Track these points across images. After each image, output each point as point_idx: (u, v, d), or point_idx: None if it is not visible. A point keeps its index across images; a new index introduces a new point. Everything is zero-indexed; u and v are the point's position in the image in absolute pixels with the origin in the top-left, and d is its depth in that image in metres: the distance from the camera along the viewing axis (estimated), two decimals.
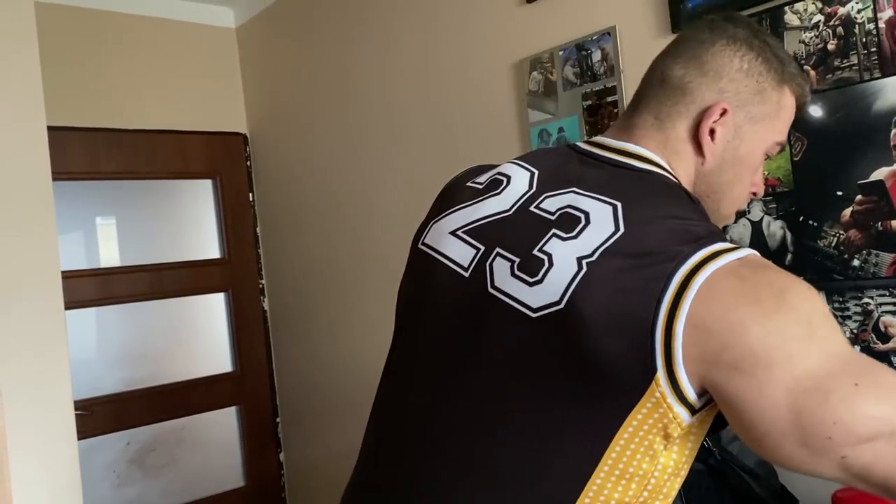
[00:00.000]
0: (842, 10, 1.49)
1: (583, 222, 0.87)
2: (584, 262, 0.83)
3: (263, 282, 3.42)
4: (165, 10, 3.19)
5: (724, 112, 0.93)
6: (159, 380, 3.10)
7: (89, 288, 2.93)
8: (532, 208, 0.93)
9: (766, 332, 0.76)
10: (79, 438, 2.04)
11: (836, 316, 1.52)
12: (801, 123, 1.55)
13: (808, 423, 0.75)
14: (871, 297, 1.48)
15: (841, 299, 1.52)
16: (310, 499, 3.30)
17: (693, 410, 0.81)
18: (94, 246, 3.08)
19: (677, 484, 0.89)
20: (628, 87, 1.88)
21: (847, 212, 1.50)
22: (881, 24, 1.44)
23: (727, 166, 0.96)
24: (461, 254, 0.96)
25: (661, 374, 0.78)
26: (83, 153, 2.96)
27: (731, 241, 0.84)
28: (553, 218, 0.89)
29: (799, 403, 0.75)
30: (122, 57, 3.08)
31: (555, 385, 0.84)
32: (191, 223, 3.33)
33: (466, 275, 0.94)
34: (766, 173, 1.61)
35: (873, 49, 1.45)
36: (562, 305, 0.83)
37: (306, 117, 3.10)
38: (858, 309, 1.50)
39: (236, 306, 3.33)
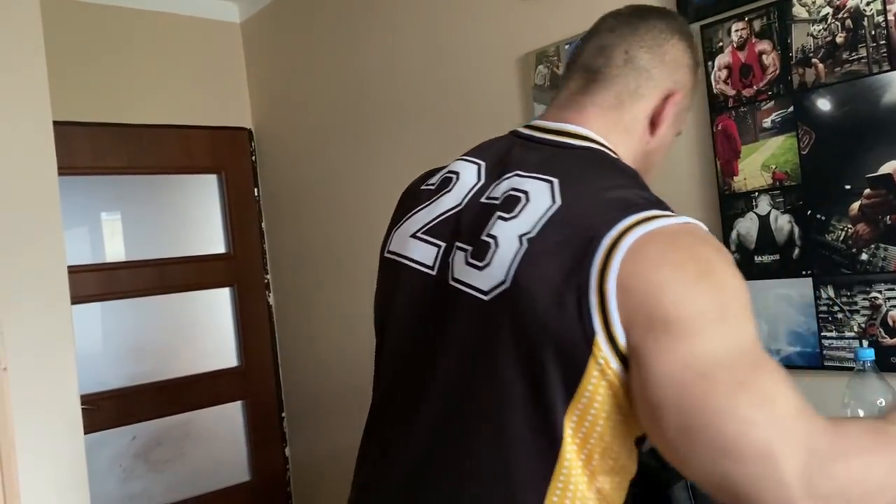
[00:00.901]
0: (850, 3, 1.48)
1: (523, 201, 0.90)
2: (524, 238, 0.86)
3: (269, 277, 3.42)
4: (170, 4, 3.18)
5: (679, 99, 1.02)
6: (165, 374, 3.11)
7: (94, 283, 2.93)
8: (482, 199, 0.96)
9: (681, 299, 0.79)
10: (85, 433, 2.05)
11: (843, 310, 1.52)
12: (809, 116, 1.54)
13: (689, 405, 0.77)
14: (880, 292, 1.47)
15: (849, 293, 1.51)
16: (315, 493, 3.31)
17: (626, 363, 0.82)
18: (99, 241, 3.08)
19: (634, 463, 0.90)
20: None
21: (855, 206, 1.49)
22: (890, 17, 1.42)
23: (661, 149, 1.05)
24: (424, 254, 0.99)
25: (600, 337, 0.80)
26: (88, 148, 2.96)
27: (692, 218, 0.87)
28: (498, 202, 0.93)
29: (686, 382, 0.77)
30: (128, 52, 3.08)
31: (511, 364, 0.85)
32: (196, 218, 3.33)
33: (434, 273, 0.97)
34: (775, 167, 1.60)
35: (882, 42, 1.44)
36: (508, 284, 0.86)
37: (311, 112, 3.09)
38: (867, 303, 1.49)
39: (242, 301, 3.33)
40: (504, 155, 1.00)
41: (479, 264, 0.90)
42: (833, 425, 0.79)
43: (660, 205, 0.88)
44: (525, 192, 0.91)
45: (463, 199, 0.98)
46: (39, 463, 1.92)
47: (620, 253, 0.80)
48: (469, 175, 1.01)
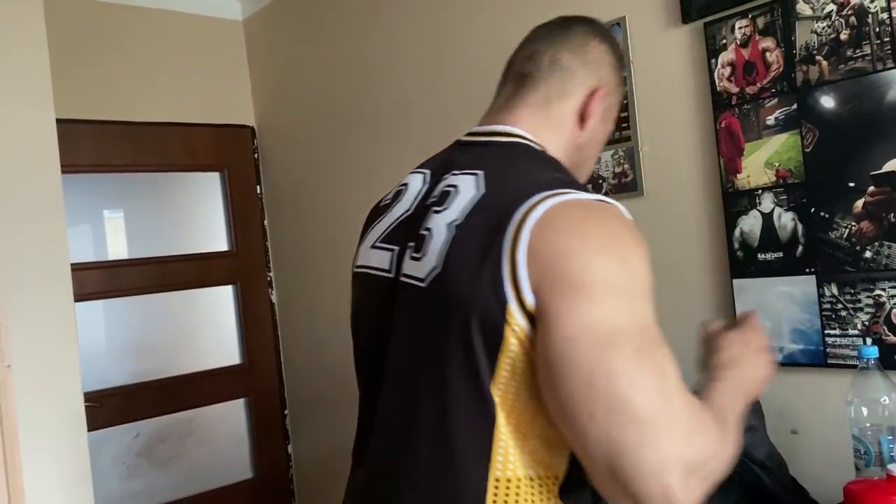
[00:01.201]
0: (854, 0, 1.47)
1: (453, 194, 0.99)
2: (453, 225, 0.95)
3: (271, 274, 3.43)
4: (173, 2, 3.18)
5: (604, 94, 1.09)
6: (168, 372, 3.11)
7: (97, 280, 2.93)
8: (426, 202, 1.04)
9: (587, 266, 0.85)
10: (88, 430, 2.05)
11: (847, 308, 1.52)
12: (813, 114, 1.54)
13: (583, 363, 0.82)
14: (884, 289, 1.47)
15: (853, 291, 1.51)
16: (318, 490, 3.31)
17: (534, 322, 0.88)
18: (102, 238, 3.08)
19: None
20: (638, 78, 1.87)
21: (859, 203, 1.49)
22: (895, 14, 1.42)
23: (593, 142, 1.13)
24: (382, 260, 1.07)
25: (512, 304, 0.87)
26: (91, 146, 2.97)
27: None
28: (435, 200, 1.02)
29: (585, 342, 0.83)
30: (130, 49, 3.08)
31: (448, 342, 0.92)
32: (199, 216, 3.33)
33: (391, 275, 1.05)
34: (778, 165, 1.60)
35: (886, 39, 1.44)
36: (439, 269, 0.94)
37: (314, 109, 3.09)
38: (870, 301, 1.49)
39: (244, 299, 3.33)
40: (445, 160, 1.09)
41: (418, 256, 0.99)
42: (696, 404, 0.86)
43: (577, 186, 0.95)
44: (455, 186, 1.00)
45: (411, 205, 1.07)
46: (43, 460, 1.92)
47: (530, 223, 0.87)
48: (416, 183, 1.10)
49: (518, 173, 0.98)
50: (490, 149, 1.06)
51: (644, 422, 0.80)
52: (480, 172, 0.99)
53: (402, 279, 1.01)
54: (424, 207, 1.03)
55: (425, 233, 0.99)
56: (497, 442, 0.90)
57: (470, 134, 1.12)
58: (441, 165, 1.09)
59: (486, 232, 0.91)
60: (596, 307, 0.84)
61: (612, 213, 0.93)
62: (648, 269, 0.91)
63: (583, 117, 1.08)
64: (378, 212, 1.16)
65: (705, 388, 0.96)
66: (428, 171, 1.11)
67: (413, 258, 0.99)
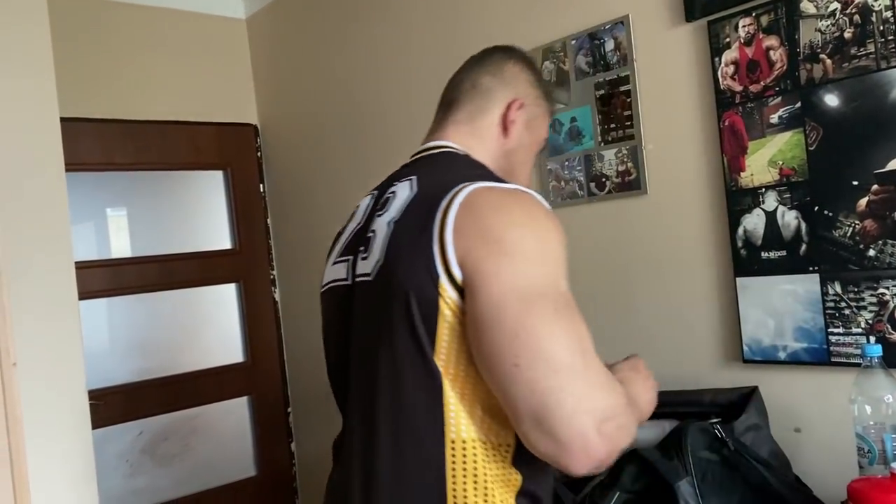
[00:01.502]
0: None
1: (391, 198, 1.14)
2: (392, 222, 1.09)
3: (274, 272, 3.43)
4: (176, 1, 3.18)
5: (521, 105, 1.23)
6: (171, 370, 3.12)
7: (101, 279, 2.94)
8: (373, 212, 1.18)
9: (507, 237, 0.98)
10: (92, 428, 2.05)
11: (850, 306, 1.52)
12: (816, 112, 1.54)
13: (508, 319, 0.94)
14: (887, 288, 1.47)
15: (856, 289, 1.51)
16: (321, 488, 3.30)
17: (462, 293, 0.99)
18: (105, 237, 3.09)
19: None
20: (641, 77, 1.87)
21: (863, 201, 1.49)
22: None
23: (522, 149, 1.25)
24: (340, 272, 1.21)
25: (443, 279, 0.98)
26: (95, 144, 2.97)
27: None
28: (379, 207, 1.16)
29: (509, 299, 0.95)
30: (134, 48, 3.08)
31: (396, 326, 1.02)
32: (202, 214, 3.34)
33: (349, 282, 1.17)
34: (782, 163, 1.60)
35: (890, 37, 1.43)
36: (382, 260, 1.07)
37: (317, 107, 3.09)
38: (874, 299, 1.49)
39: (248, 297, 3.34)
40: (389, 178, 1.24)
41: (366, 255, 1.12)
42: (608, 371, 0.99)
43: (497, 180, 1.09)
44: (394, 192, 1.15)
45: (361, 219, 1.21)
46: (48, 457, 1.92)
47: (454, 207, 1.01)
48: (365, 201, 1.25)
49: (444, 172, 1.13)
50: (423, 160, 1.22)
51: (562, 370, 0.91)
52: (414, 177, 1.14)
53: (356, 280, 1.14)
54: (371, 216, 1.17)
55: (371, 234, 1.13)
56: (447, 407, 1.01)
57: (412, 156, 1.28)
58: (386, 182, 1.23)
59: (418, 221, 1.04)
60: (517, 272, 0.97)
61: (528, 197, 1.06)
62: (563, 249, 1.04)
63: (505, 126, 1.23)
64: (338, 235, 1.29)
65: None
66: (376, 191, 1.24)
67: (363, 259, 1.13)
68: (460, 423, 1.01)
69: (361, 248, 1.14)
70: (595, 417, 0.90)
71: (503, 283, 0.95)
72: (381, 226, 1.11)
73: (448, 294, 0.99)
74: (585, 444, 0.89)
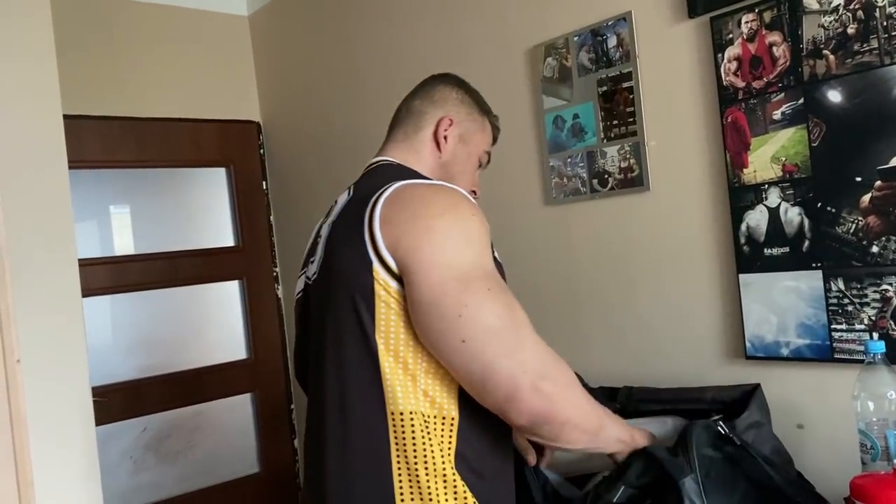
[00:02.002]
0: None
1: (334, 206, 1.31)
2: (330, 224, 1.26)
3: (277, 269, 3.43)
4: None
5: (451, 122, 1.37)
6: (174, 367, 3.12)
7: (104, 276, 2.95)
8: (322, 224, 1.35)
9: (432, 225, 1.11)
10: (96, 425, 2.06)
11: (853, 303, 1.52)
12: (819, 108, 1.53)
13: (449, 301, 1.08)
14: (891, 284, 1.47)
15: (859, 286, 1.51)
16: None
17: (402, 281, 1.12)
18: (108, 234, 3.09)
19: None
20: (644, 73, 1.87)
21: (866, 198, 1.48)
22: None
23: (458, 160, 1.39)
24: (301, 282, 1.39)
25: (376, 265, 1.12)
26: (98, 142, 2.97)
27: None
28: (325, 218, 1.34)
29: (448, 284, 1.08)
30: (136, 45, 3.09)
31: (341, 315, 1.16)
32: (205, 211, 3.34)
33: (304, 289, 1.36)
34: (785, 159, 1.60)
35: (894, 33, 1.43)
36: (323, 256, 1.23)
37: (320, 104, 3.09)
38: (877, 296, 1.48)
39: (250, 294, 3.34)
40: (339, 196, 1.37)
41: (313, 258, 1.29)
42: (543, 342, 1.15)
43: (433, 180, 1.23)
44: (336, 201, 1.32)
45: (315, 234, 1.36)
46: (52, 454, 1.93)
47: (381, 200, 1.14)
48: (323, 219, 1.38)
49: (378, 178, 1.26)
50: (364, 174, 1.36)
51: (502, 339, 1.09)
52: (352, 186, 1.32)
53: (308, 284, 1.31)
54: (320, 227, 1.33)
55: (318, 240, 1.30)
56: (386, 382, 1.13)
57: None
58: (336, 201, 1.36)
59: (351, 218, 1.18)
60: (451, 257, 1.10)
61: (450, 189, 1.19)
62: (486, 231, 1.17)
63: (437, 141, 1.36)
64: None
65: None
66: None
67: (311, 263, 1.30)
68: (396, 396, 1.13)
69: (311, 257, 1.32)
70: (530, 375, 1.08)
71: (440, 269, 1.09)
72: (325, 229, 1.28)
73: (382, 278, 1.12)
74: (521, 396, 1.07)
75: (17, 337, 1.85)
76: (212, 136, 3.29)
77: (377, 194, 1.16)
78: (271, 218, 3.45)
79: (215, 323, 3.32)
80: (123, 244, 3.10)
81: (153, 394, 3.05)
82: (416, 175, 1.29)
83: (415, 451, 1.13)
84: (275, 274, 3.42)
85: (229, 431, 3.27)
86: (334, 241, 1.22)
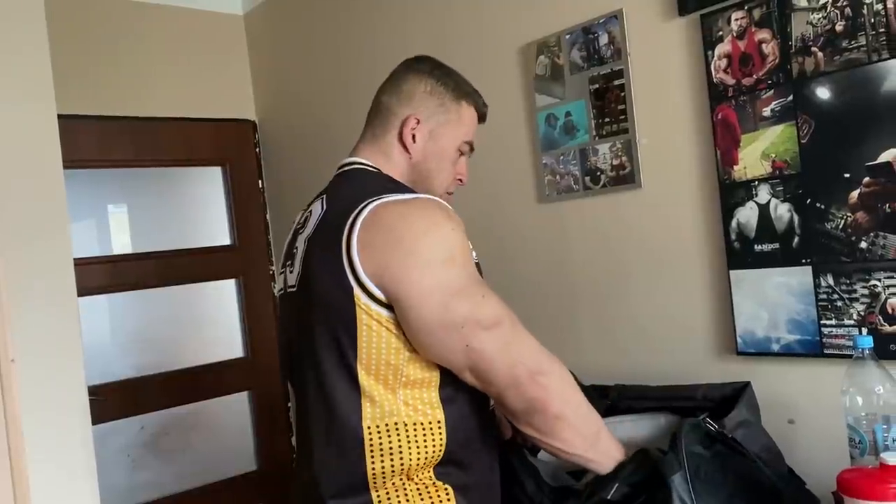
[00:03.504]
0: None
1: (309, 217, 1.30)
2: (307, 239, 1.25)
3: (274, 268, 3.44)
4: None
5: (418, 121, 1.33)
6: (172, 365, 3.13)
7: (101, 275, 2.95)
8: (298, 229, 1.35)
9: (416, 249, 1.13)
10: (93, 423, 2.06)
11: (842, 298, 1.52)
12: (808, 105, 1.54)
13: (451, 317, 1.12)
14: (879, 280, 1.48)
15: (848, 281, 1.51)
16: None
17: (390, 308, 1.15)
18: (106, 233, 3.10)
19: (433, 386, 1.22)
20: (635, 71, 1.88)
21: (854, 194, 1.49)
22: (889, 5, 1.42)
23: (430, 158, 1.34)
24: (281, 281, 1.40)
25: (357, 290, 1.13)
26: (94, 141, 2.98)
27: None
28: (300, 225, 1.34)
29: (447, 304, 1.13)
30: (132, 45, 3.09)
31: (318, 333, 1.19)
32: (201, 210, 3.35)
33: (285, 291, 1.36)
34: (774, 156, 1.60)
35: (882, 30, 1.44)
36: (301, 274, 1.24)
37: (315, 103, 3.10)
38: (866, 291, 1.49)
39: (247, 292, 3.35)
40: (313, 198, 1.39)
41: (292, 268, 1.30)
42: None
43: (402, 192, 1.22)
44: (311, 211, 1.31)
45: (291, 235, 1.37)
46: (48, 453, 1.93)
47: (358, 223, 1.14)
48: (298, 217, 1.41)
49: (353, 189, 1.25)
50: (336, 178, 1.37)
51: (502, 337, 1.16)
52: (325, 195, 1.31)
53: (288, 290, 1.33)
54: (296, 233, 1.34)
55: (295, 250, 1.31)
56: (364, 399, 1.17)
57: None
58: (313, 199, 1.37)
59: (327, 239, 1.18)
60: (441, 278, 1.13)
61: (428, 203, 1.20)
62: (465, 240, 1.19)
63: (404, 144, 1.33)
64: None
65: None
66: (306, 207, 1.40)
67: (290, 272, 1.31)
68: (384, 410, 1.17)
69: (289, 262, 1.33)
70: (528, 366, 1.16)
71: (435, 294, 1.12)
72: (301, 242, 1.28)
73: (363, 303, 1.14)
74: (520, 383, 1.15)
75: (10, 336, 1.85)
76: (208, 136, 3.29)
77: (353, 216, 1.16)
78: (267, 216, 3.45)
79: (212, 321, 3.32)
80: (121, 243, 3.10)
81: (150, 392, 3.05)
82: (389, 182, 1.29)
83: (391, 456, 1.18)
84: (271, 272, 3.43)
85: (226, 429, 3.28)
86: (312, 264, 1.22)
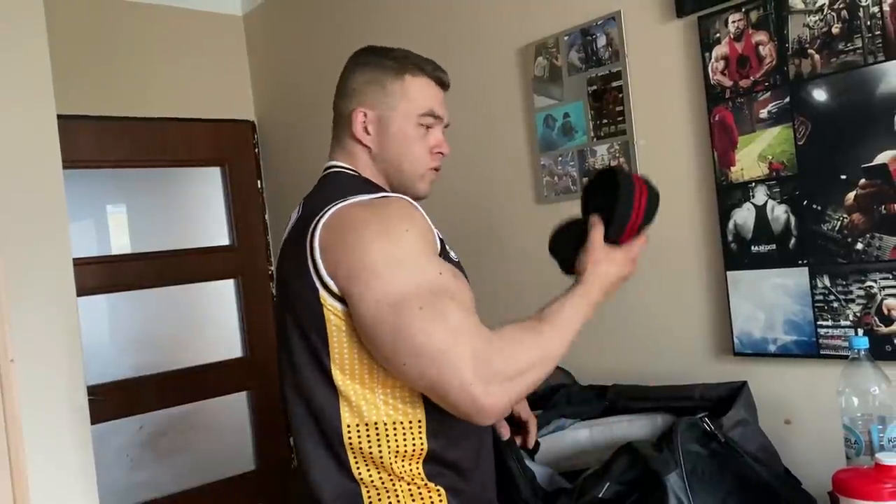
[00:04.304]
0: None
1: (289, 223, 1.30)
2: (283, 242, 1.27)
3: (272, 268, 3.44)
4: None
5: (365, 114, 1.31)
6: (170, 365, 3.14)
7: (100, 275, 2.95)
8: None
9: (365, 252, 1.11)
10: (92, 423, 2.07)
11: (839, 299, 1.53)
12: (805, 107, 1.55)
13: (386, 328, 1.09)
14: (875, 281, 1.48)
15: (844, 283, 1.52)
16: None
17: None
18: (104, 233, 3.10)
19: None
20: (633, 72, 1.88)
21: (851, 195, 1.50)
22: (885, 7, 1.43)
23: (390, 145, 1.31)
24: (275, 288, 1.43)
25: (322, 291, 1.14)
26: (93, 141, 2.98)
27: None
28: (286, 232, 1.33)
29: (382, 311, 1.09)
30: (131, 45, 3.09)
31: (295, 336, 1.21)
32: (200, 210, 3.35)
33: (276, 294, 1.38)
34: (771, 158, 1.61)
35: (878, 32, 1.44)
36: (277, 278, 1.27)
37: (314, 103, 3.10)
38: (861, 292, 1.50)
39: (246, 292, 3.35)
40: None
41: (276, 275, 1.30)
42: (493, 331, 1.12)
43: (368, 192, 1.22)
44: (291, 216, 1.31)
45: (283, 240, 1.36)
46: (47, 453, 1.94)
47: (320, 226, 1.15)
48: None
49: (324, 192, 1.26)
50: (317, 183, 1.36)
51: (440, 358, 1.07)
52: (302, 201, 1.31)
53: (275, 295, 1.37)
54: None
55: (280, 255, 1.31)
56: (342, 398, 1.17)
57: None
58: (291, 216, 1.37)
59: (296, 242, 1.19)
60: (382, 283, 1.10)
61: (387, 204, 1.19)
62: (423, 239, 1.16)
63: (358, 139, 1.32)
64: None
65: (558, 298, 1.23)
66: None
67: (274, 278, 1.35)
68: (361, 410, 1.17)
69: (276, 269, 1.36)
70: (479, 385, 1.06)
71: (373, 298, 1.10)
72: (281, 247, 1.30)
73: (329, 303, 1.14)
74: (480, 407, 1.07)
75: (10, 336, 1.86)
76: (207, 136, 3.30)
77: (317, 219, 1.17)
78: (266, 217, 3.46)
79: (211, 321, 3.33)
80: (120, 243, 3.11)
81: (149, 392, 3.06)
82: (363, 185, 1.28)
83: (371, 455, 1.18)
84: (270, 272, 3.43)
85: (225, 429, 3.29)
86: (284, 267, 1.25)
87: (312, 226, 1.16)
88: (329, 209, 1.17)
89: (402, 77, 1.32)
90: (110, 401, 2.88)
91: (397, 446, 1.17)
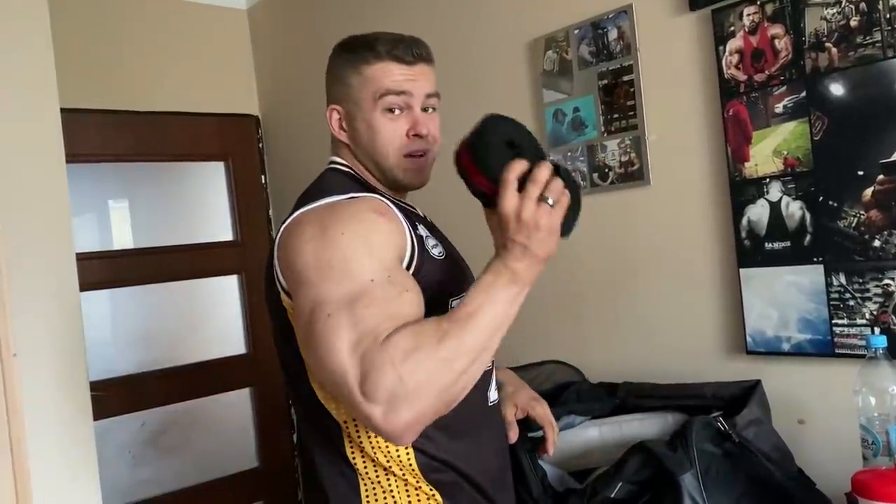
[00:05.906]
0: None
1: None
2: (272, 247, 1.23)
3: None
4: None
5: (337, 111, 1.38)
6: (173, 361, 3.11)
7: (102, 270, 2.93)
8: None
9: (297, 257, 1.09)
10: (94, 419, 2.05)
11: (855, 297, 1.51)
12: (822, 102, 1.52)
13: (305, 335, 1.05)
14: (892, 279, 1.46)
15: (861, 280, 1.50)
16: None
17: None
18: (107, 228, 3.08)
19: None
20: (645, 66, 1.86)
21: (868, 192, 1.48)
22: None
23: (361, 136, 1.32)
24: None
25: (283, 295, 1.15)
26: (96, 135, 2.96)
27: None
28: None
29: (302, 319, 1.06)
30: (135, 39, 3.07)
31: (278, 339, 1.24)
32: (203, 206, 3.33)
33: None
34: (787, 153, 1.59)
35: None
36: (266, 280, 1.24)
37: (319, 98, 3.06)
38: (879, 290, 1.48)
39: (249, 288, 3.33)
40: None
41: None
42: (394, 341, 0.97)
43: (342, 192, 1.20)
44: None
45: None
46: (50, 449, 1.92)
47: (283, 227, 1.17)
48: None
49: (308, 193, 1.25)
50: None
51: (336, 372, 0.98)
52: (296, 200, 1.27)
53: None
54: None
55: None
56: (329, 396, 1.17)
57: None
58: None
59: (272, 245, 1.20)
60: (306, 289, 1.06)
61: (343, 206, 1.16)
62: (363, 243, 1.08)
63: (338, 138, 1.37)
64: None
65: (474, 287, 1.05)
66: None
67: None
68: (341, 409, 1.17)
69: None
70: (381, 406, 0.93)
71: (299, 302, 1.07)
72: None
73: (289, 304, 1.14)
74: (380, 429, 0.95)
75: (12, 331, 1.84)
76: (210, 130, 3.27)
77: (284, 221, 1.18)
78: (270, 212, 3.44)
79: (214, 317, 3.30)
80: (122, 238, 3.08)
81: (152, 388, 3.04)
82: (347, 181, 1.29)
83: (374, 454, 1.17)
84: None
85: (228, 426, 3.27)
86: (264, 270, 1.25)
87: (280, 228, 1.18)
88: (297, 211, 1.18)
89: (357, 68, 1.33)
90: (112, 397, 2.86)
91: (387, 445, 1.16)
